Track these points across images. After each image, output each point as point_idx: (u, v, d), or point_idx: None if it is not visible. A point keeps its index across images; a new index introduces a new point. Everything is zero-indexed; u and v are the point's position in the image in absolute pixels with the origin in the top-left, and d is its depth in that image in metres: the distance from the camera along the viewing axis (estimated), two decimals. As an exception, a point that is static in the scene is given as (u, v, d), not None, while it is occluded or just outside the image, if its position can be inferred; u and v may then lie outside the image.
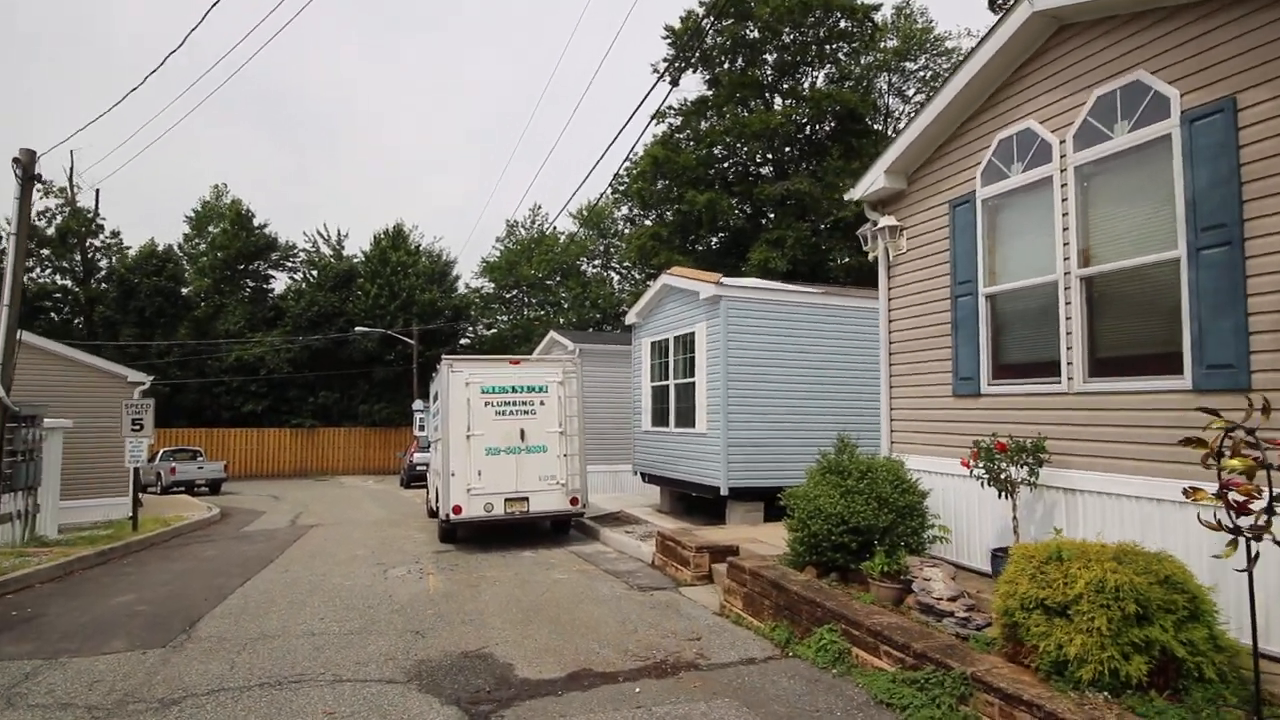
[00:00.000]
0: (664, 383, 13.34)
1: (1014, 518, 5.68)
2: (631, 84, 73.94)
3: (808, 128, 33.67)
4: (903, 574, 5.87)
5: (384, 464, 37.15)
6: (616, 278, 49.72)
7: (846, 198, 8.03)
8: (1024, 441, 5.64)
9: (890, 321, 7.57)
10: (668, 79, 32.17)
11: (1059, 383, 5.72)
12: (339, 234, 43.21)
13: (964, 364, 6.58)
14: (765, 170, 34.77)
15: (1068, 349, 5.67)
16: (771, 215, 32.66)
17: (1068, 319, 5.67)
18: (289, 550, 11.86)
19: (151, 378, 17.20)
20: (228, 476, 27.70)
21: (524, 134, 66.35)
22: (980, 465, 5.76)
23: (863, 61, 36.47)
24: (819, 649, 5.37)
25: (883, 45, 37.00)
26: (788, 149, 33.94)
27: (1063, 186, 5.76)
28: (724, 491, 11.14)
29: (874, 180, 7.54)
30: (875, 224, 7.68)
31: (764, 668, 5.48)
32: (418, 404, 29.30)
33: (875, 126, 36.33)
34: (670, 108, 34.12)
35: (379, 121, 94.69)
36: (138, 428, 13.30)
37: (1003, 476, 5.67)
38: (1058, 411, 5.74)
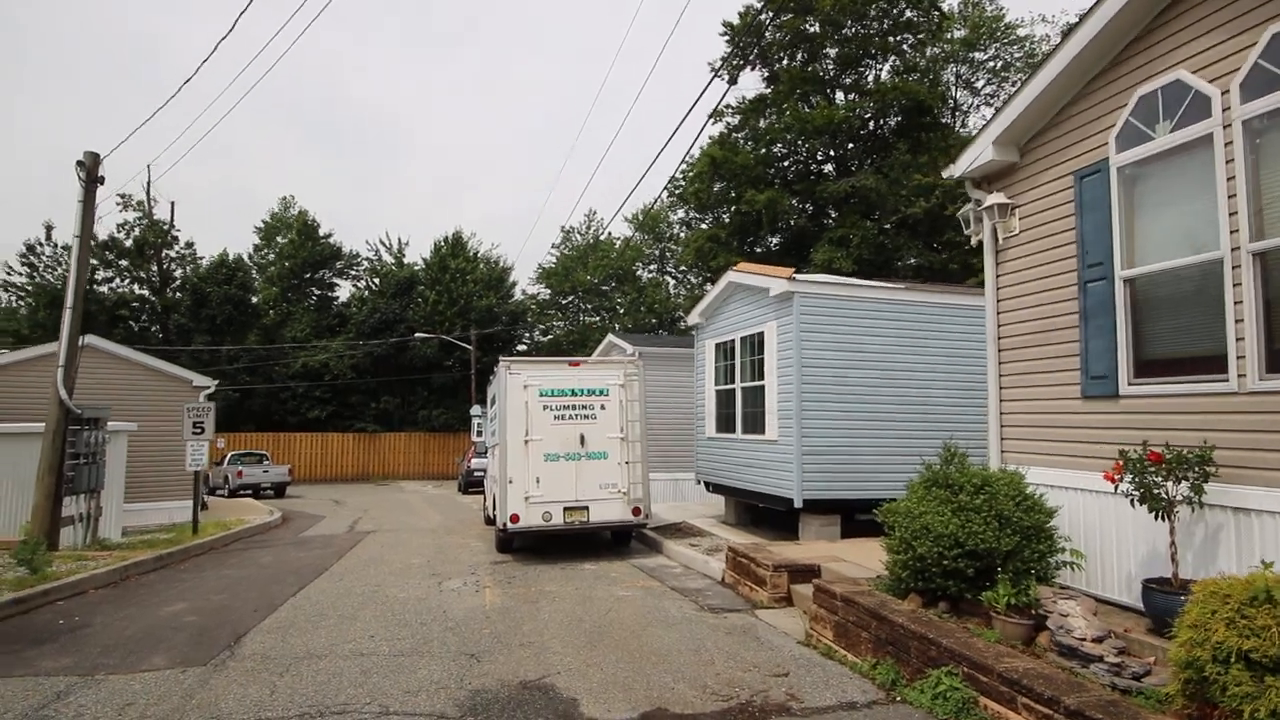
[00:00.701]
0: (729, 386, 12.57)
1: (1172, 543, 4.74)
2: (689, 86, 73.34)
3: (871, 123, 32.41)
4: (1033, 608, 4.99)
5: (443, 469, 37.26)
6: (672, 282, 49.08)
7: (945, 174, 7.14)
8: (1184, 452, 4.70)
9: (999, 314, 6.66)
10: (725, 77, 31.46)
11: (1225, 380, 4.77)
12: (399, 242, 43.77)
13: (1096, 360, 5.65)
14: (827, 168, 33.62)
15: (1237, 340, 4.71)
16: (834, 214, 31.51)
17: (1236, 303, 4.72)
18: (345, 558, 11.51)
19: (216, 382, 17.27)
20: (292, 480, 28.02)
21: (578, 138, 66.52)
22: (1128, 479, 4.83)
23: (929, 53, 34.97)
24: (936, 696, 4.54)
25: (949, 36, 35.43)
26: (851, 145, 32.73)
27: (1226, 145, 4.81)
28: (797, 504, 10.29)
29: (979, 153, 6.66)
30: (980, 203, 6.79)
31: (870, 715, 4.68)
32: (475, 409, 29.17)
33: (944, 120, 34.81)
34: (728, 106, 33.36)
35: (437, 130, 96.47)
36: (199, 431, 13.21)
37: (1157, 493, 4.74)
38: (1223, 415, 4.79)
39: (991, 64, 37.55)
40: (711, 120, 33.20)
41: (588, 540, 12.28)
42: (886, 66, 33.17)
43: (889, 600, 5.72)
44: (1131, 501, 4.78)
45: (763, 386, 11.33)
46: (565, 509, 10.83)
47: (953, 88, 36.83)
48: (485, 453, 15.82)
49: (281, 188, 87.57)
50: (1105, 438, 5.57)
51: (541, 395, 11.03)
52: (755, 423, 11.61)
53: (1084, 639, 4.64)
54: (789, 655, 6.04)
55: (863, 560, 7.92)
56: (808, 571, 7.80)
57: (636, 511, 11.07)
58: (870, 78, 32.65)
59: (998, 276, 6.69)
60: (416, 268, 41.77)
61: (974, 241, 7.04)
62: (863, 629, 5.61)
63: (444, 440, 38.09)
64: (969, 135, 35.93)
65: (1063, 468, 5.95)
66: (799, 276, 10.73)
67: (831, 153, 32.99)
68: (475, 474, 24.01)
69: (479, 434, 26.81)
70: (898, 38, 32.37)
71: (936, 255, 29.29)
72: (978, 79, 38.01)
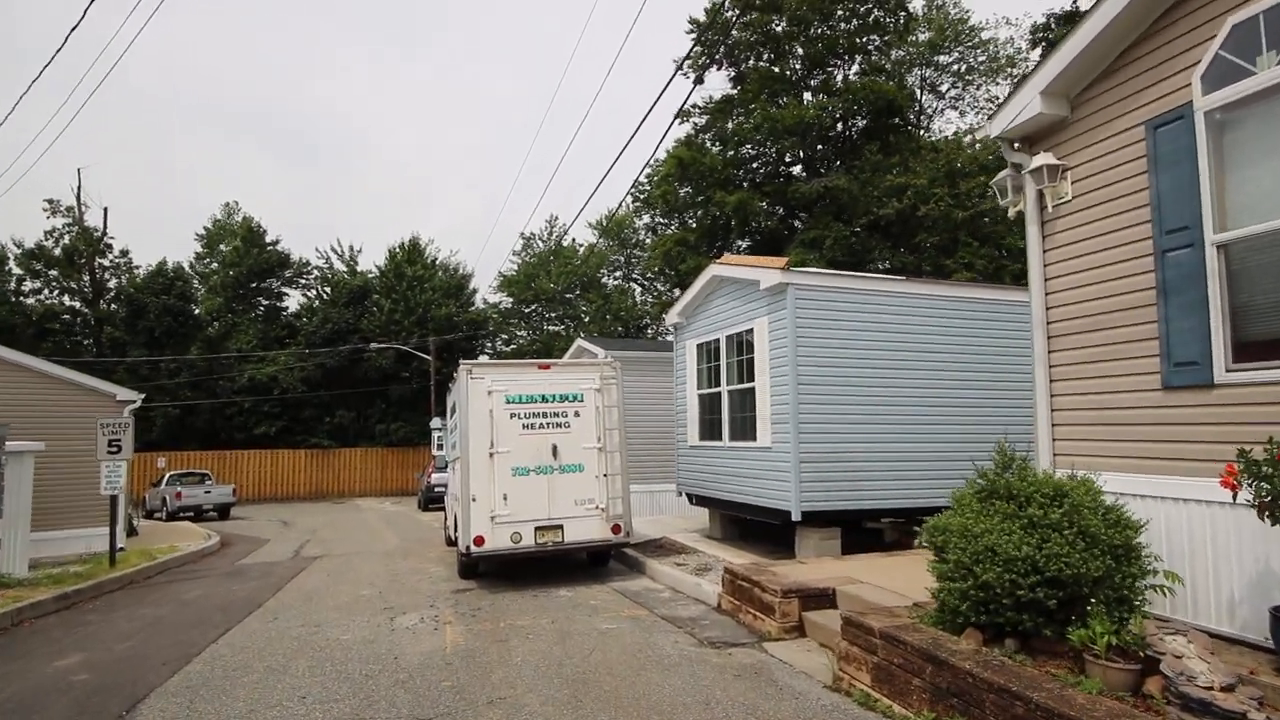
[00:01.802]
0: (714, 390, 11.53)
1: (1310, 563, 3.81)
2: (652, 88, 72.64)
3: (840, 124, 31.91)
4: (1138, 647, 4.00)
5: (402, 485, 35.56)
6: (639, 290, 48.07)
7: (981, 135, 6.22)
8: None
9: (1048, 295, 5.72)
10: (691, 76, 30.70)
11: (1365, 361, 3.86)
12: (352, 249, 41.96)
13: (1181, 344, 4.72)
14: (796, 170, 33.03)
15: (1380, 310, 3.81)
16: (805, 216, 30.86)
17: (1378, 266, 3.82)
18: (284, 590, 10.13)
19: (142, 396, 15.59)
20: (237, 500, 26.15)
21: (534, 140, 65.25)
22: (1247, 484, 3.89)
23: (894, 56, 34.73)
24: (1038, 772, 3.50)
25: (915, 38, 35.26)
26: (820, 146, 32.19)
27: (1356, 75, 3.93)
28: (795, 516, 9.27)
29: (1022, 107, 5.73)
30: (1022, 167, 5.86)
31: (951, 799, 3.63)
32: (435, 421, 27.68)
33: (910, 125, 34.52)
34: (695, 106, 32.57)
35: (390, 137, 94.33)
36: (115, 450, 11.68)
37: (1290, 501, 3.79)
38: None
39: (955, 67, 37.58)
40: (678, 121, 32.38)
41: (562, 562, 11.08)
42: (854, 68, 32.78)
43: (943, 638, 4.68)
44: (1267, 514, 3.82)
45: (753, 389, 10.31)
46: (537, 528, 9.64)
47: (919, 91, 36.69)
48: (446, 467, 14.51)
49: (225, 194, 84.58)
50: (1195, 435, 4.64)
51: (508, 402, 9.85)
52: (745, 428, 10.59)
53: (1211, 687, 3.66)
54: (818, 706, 4.97)
55: (883, 581, 6.91)
56: (821, 597, 6.76)
57: (617, 529, 9.93)
58: (839, 78, 32.18)
59: (1045, 252, 5.76)
60: (371, 275, 40.08)
61: (1011, 214, 6.12)
62: (913, 674, 4.57)
63: (403, 455, 36.39)
64: (935, 140, 35.82)
65: (1138, 472, 5.01)
66: (794, 268, 9.76)
67: (801, 154, 32.41)
68: (436, 490, 22.57)
69: (439, 447, 25.37)
70: (865, 39, 32.00)
71: (908, 258, 28.81)
72: (942, 82, 37.99)
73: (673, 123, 13.56)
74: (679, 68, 29.50)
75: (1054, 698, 3.73)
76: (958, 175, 28.32)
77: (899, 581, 6.89)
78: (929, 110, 38.02)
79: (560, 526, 9.73)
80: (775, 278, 9.58)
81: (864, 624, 5.12)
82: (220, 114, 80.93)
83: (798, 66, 32.36)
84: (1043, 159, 5.63)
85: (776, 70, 31.80)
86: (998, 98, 39.00)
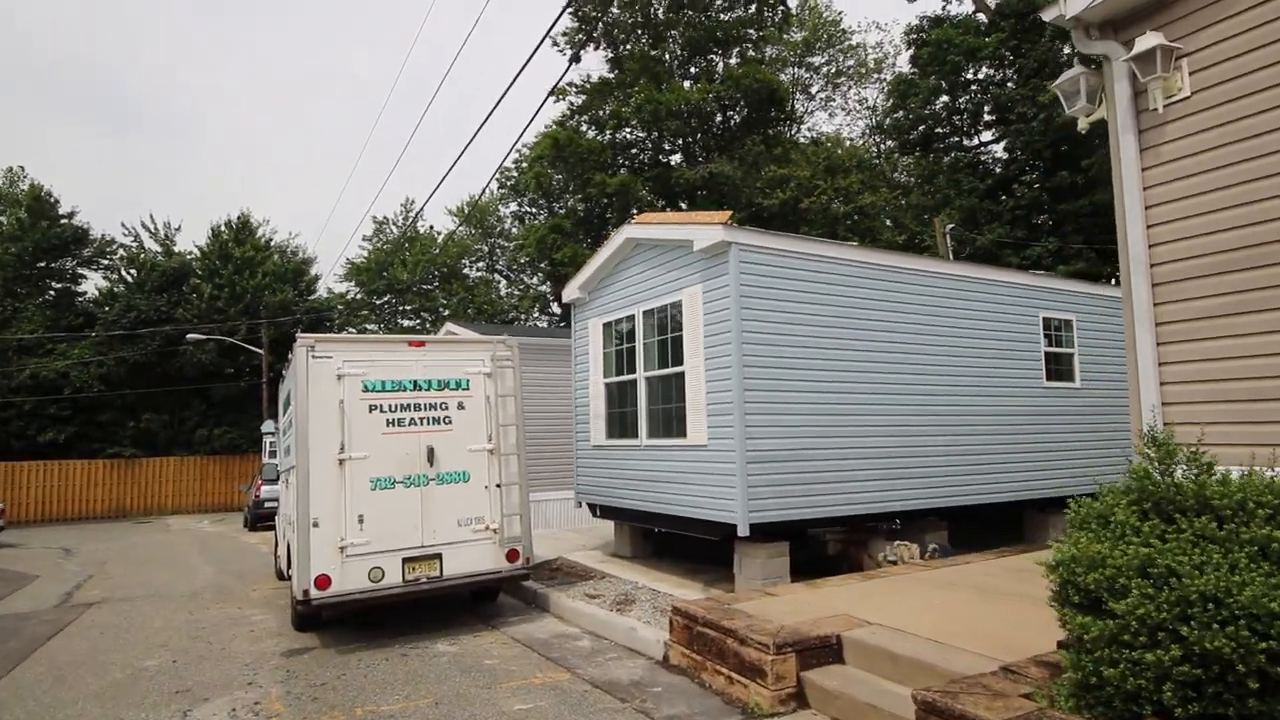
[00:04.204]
0: (627, 378, 9.54)
1: None
2: (528, 76, 69.62)
3: (720, 115, 30.97)
4: None
5: (227, 500, 30.72)
6: (504, 282, 45.17)
7: (1048, 18, 4.59)
8: None
9: (1151, 228, 4.20)
10: (566, 51, 28.67)
11: None
12: (168, 226, 36.09)
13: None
14: (675, 160, 31.75)
15: None
16: (687, 204, 29.61)
17: None
18: (27, 663, 7.00)
19: None
20: (5, 523, 20.97)
21: (382, 111, 60.18)
22: None
23: (769, 54, 34.42)
24: None
25: (789, 37, 35.16)
26: (700, 135, 31.09)
27: None
28: (742, 530, 7.45)
29: (1120, -29, 4.19)
30: (1110, 58, 4.33)
31: None
32: (268, 425, 23.74)
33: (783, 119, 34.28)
34: (571, 84, 30.47)
35: (234, 114, 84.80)
36: None
37: None
38: None
39: (826, 69, 37.95)
40: (553, 99, 30.18)
41: (437, 601, 8.62)
42: (734, 59, 31.98)
43: (1107, 739, 2.95)
44: None
45: (681, 374, 8.41)
46: (406, 560, 7.19)
47: (792, 91, 36.64)
48: (277, 478, 11.49)
49: (10, 158, 72.33)
50: None
51: (367, 390, 7.33)
52: (670, 423, 8.67)
53: None
54: None
55: (889, 618, 5.20)
56: (823, 649, 4.93)
57: (514, 556, 7.68)
58: (720, 67, 31.24)
59: (1145, 171, 4.24)
60: (191, 256, 34.61)
61: (1083, 125, 4.59)
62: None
63: (228, 464, 31.50)
64: (815, 136, 35.90)
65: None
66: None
67: (681, 142, 31.16)
68: (267, 506, 18.98)
69: (272, 454, 21.65)
70: (742, 31, 31.23)
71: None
72: (813, 83, 38.27)
73: (546, 98, 11.46)
74: (547, 33, 27.30)
75: None
76: (837, 170, 28.16)
77: (906, 617, 5.22)
78: (799, 113, 38.17)
79: (438, 556, 7.33)
80: (715, 235, 7.72)
81: (963, 715, 3.29)
82: (26, 69, 68.93)
83: (678, 51, 31.13)
84: (1151, 39, 4.10)
85: (656, 52, 30.39)
86: (866, 100, 40.01)
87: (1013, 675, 3.67)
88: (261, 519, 19.58)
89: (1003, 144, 25.47)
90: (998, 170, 24.60)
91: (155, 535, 20.97)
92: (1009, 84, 24.35)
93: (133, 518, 28.92)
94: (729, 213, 8.05)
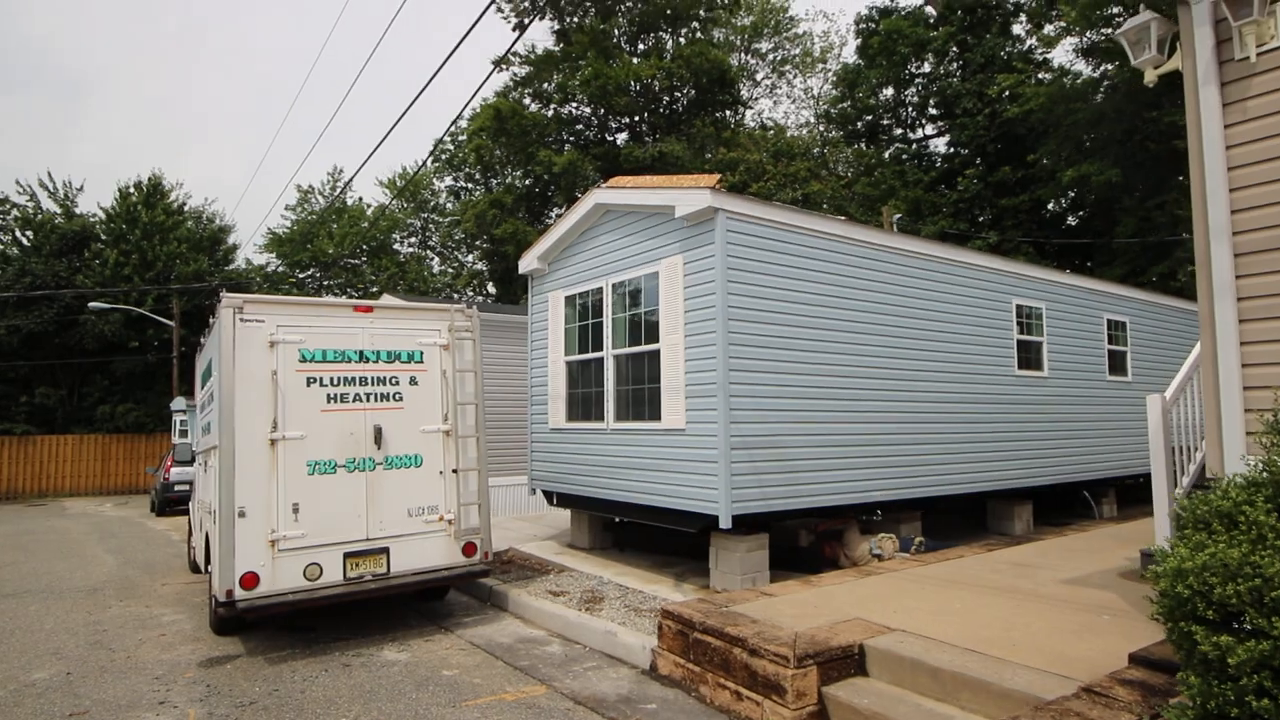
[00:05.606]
0: (593, 355, 8.81)
1: None
2: (469, 47, 67.15)
3: (668, 95, 30.27)
4: None
5: (132, 481, 28.41)
6: (436, 260, 43.38)
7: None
8: None
9: (1234, 192, 3.76)
10: (511, 18, 27.41)
11: None
12: (68, 185, 32.98)
13: None
14: (623, 138, 30.91)
15: None
16: (634, 185, 28.82)
17: None
18: (-125, 679, 5.82)
19: None
20: None
21: (309, 75, 57.03)
22: None
23: (715, 36, 33.88)
24: None
25: (737, 22, 34.73)
26: (647, 114, 30.33)
27: None
28: (724, 522, 6.85)
29: (1218, -104, 3.71)
30: (1189, 1, 3.85)
31: None
32: (178, 402, 21.82)
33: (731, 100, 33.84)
34: (515, 54, 29.20)
35: (154, 74, 78.85)
36: None
37: None
38: None
39: (772, 57, 37.72)
40: (497, 69, 28.79)
41: (381, 600, 7.72)
42: (682, 38, 31.29)
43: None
44: None
45: (657, 352, 7.74)
46: (348, 555, 6.31)
47: (739, 76, 36.24)
48: (191, 460, 10.22)
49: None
50: None
51: (305, 361, 6.38)
52: (642, 405, 8.00)
53: None
54: None
55: (908, 622, 4.70)
56: (845, 659, 4.38)
57: (470, 550, 6.89)
58: (670, 45, 30.51)
59: (1228, 128, 3.79)
60: (94, 219, 31.76)
61: (1151, 77, 4.11)
62: None
63: (133, 444, 29.14)
64: (764, 120, 35.60)
65: None
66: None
67: (628, 120, 30.33)
68: (177, 488, 17.40)
69: (183, 434, 19.93)
70: (691, 10, 30.55)
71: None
72: (759, 69, 37.97)
73: (492, 71, 10.55)
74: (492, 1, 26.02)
75: None
76: (783, 156, 27.93)
77: (926, 621, 4.74)
78: (746, 98, 37.84)
79: (385, 550, 6.48)
80: (701, 200, 7.06)
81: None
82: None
83: (627, 26, 30.22)
84: (1242, -21, 3.64)
85: (604, 28, 29.40)
86: (811, 89, 40.04)
87: (1101, 699, 3.18)
88: (171, 503, 17.95)
89: (945, 139, 25.76)
90: (940, 164, 24.82)
91: (49, 520, 19.00)
92: (953, 79, 24.55)
93: (26, 499, 26.43)
94: (716, 176, 7.41)
